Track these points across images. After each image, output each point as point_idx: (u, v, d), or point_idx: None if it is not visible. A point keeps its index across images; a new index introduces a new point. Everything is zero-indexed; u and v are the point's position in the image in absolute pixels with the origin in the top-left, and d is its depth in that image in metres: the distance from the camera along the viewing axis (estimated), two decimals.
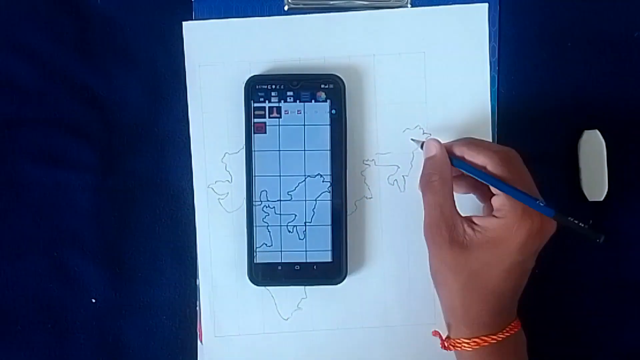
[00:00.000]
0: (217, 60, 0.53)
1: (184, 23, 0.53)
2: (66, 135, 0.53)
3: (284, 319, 0.53)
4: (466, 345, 0.46)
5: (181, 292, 0.53)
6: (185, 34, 0.53)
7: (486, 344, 0.45)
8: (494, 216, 0.45)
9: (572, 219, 0.44)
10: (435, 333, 0.50)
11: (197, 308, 0.53)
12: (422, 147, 0.50)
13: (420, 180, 0.48)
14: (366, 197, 0.53)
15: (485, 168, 0.46)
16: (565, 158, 0.54)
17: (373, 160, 0.53)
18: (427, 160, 0.49)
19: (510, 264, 0.44)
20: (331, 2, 0.53)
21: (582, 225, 0.44)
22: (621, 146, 0.54)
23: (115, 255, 0.53)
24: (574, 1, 0.54)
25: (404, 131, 0.53)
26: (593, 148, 0.53)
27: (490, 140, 0.53)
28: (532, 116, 0.54)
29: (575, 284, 0.54)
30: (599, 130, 0.53)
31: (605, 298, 0.54)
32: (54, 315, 0.53)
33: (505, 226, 0.44)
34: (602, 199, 0.53)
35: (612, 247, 0.54)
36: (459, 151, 0.48)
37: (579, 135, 0.53)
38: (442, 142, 0.49)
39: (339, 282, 0.51)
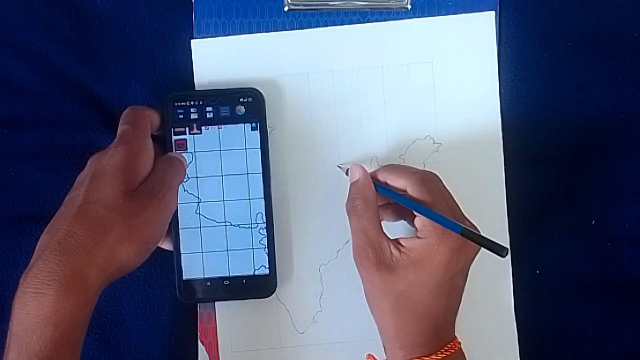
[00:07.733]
0: (226, 78, 0.52)
1: (192, 41, 0.52)
2: (66, 135, 0.53)
3: (300, 333, 0.53)
4: None
5: None
6: (194, 52, 0.53)
7: None
8: (417, 237, 0.46)
9: (477, 233, 0.44)
10: (369, 357, 0.50)
11: (197, 308, 0.53)
12: (347, 173, 0.51)
13: (345, 206, 0.49)
14: None
15: (405, 191, 0.47)
16: (565, 158, 0.54)
17: None
18: (351, 186, 0.50)
19: (437, 282, 0.45)
20: (331, 3, 0.53)
21: (488, 239, 0.43)
22: (621, 146, 0.54)
23: None
24: (574, 1, 0.54)
25: (414, 142, 0.53)
26: None
27: (500, 147, 0.53)
28: (533, 117, 0.54)
29: (575, 285, 0.54)
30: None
31: (605, 299, 0.54)
32: None
33: (427, 245, 0.45)
34: None
35: (612, 247, 0.54)
36: (382, 177, 0.49)
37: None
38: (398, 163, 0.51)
39: (270, 295, 0.51)
